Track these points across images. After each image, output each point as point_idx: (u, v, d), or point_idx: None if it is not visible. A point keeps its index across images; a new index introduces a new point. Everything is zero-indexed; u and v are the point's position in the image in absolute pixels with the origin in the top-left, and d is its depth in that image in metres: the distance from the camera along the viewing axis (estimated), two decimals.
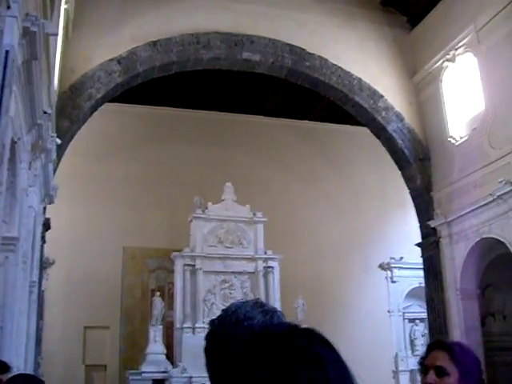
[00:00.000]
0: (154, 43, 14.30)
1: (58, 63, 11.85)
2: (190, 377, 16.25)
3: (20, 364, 7.99)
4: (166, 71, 14.89)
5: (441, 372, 2.57)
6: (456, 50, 15.05)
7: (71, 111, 13.22)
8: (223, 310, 1.67)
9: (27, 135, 7.82)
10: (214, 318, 1.69)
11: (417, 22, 16.72)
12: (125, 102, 19.60)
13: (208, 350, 1.62)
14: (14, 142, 6.70)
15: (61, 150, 12.20)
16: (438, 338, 2.90)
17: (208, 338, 1.64)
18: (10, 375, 4.37)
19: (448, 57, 15.33)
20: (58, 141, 10.10)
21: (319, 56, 15.61)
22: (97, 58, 13.74)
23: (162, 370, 16.84)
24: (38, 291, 11.59)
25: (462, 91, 15.20)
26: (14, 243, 7.31)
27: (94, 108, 14.02)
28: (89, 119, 14.29)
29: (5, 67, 4.89)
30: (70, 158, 14.35)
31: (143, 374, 16.71)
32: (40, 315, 13.47)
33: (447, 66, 15.49)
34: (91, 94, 13.54)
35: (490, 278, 14.55)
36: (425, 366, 2.66)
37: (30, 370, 9.46)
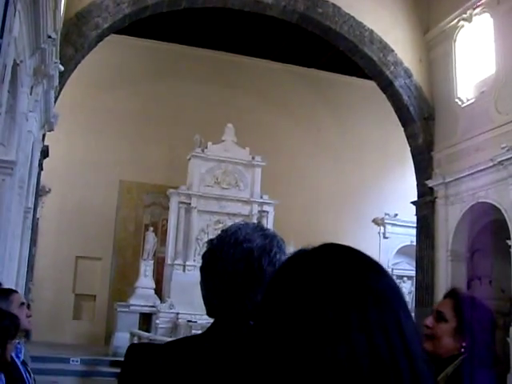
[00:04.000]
0: None
1: None
2: (177, 313, 16.52)
3: (11, 287, 8.07)
4: (175, 6, 14.57)
5: (439, 317, 2.58)
6: (474, 9, 14.69)
7: (76, 39, 12.98)
8: (223, 231, 1.64)
9: (30, 59, 7.70)
10: (212, 237, 1.66)
11: None
12: (131, 35, 19.30)
13: (204, 269, 1.61)
14: (16, 64, 6.59)
15: (63, 77, 12.03)
16: (455, 287, 2.84)
17: (205, 256, 1.62)
18: None
19: (464, 16, 14.98)
20: (61, 67, 9.94)
21: (333, 3, 15.27)
22: None
23: (150, 304, 17.11)
24: (32, 218, 11.64)
25: (475, 53, 14.94)
26: (11, 167, 7.28)
27: (100, 38, 13.76)
28: (93, 49, 14.06)
29: None
30: (72, 86, 14.19)
31: (131, 307, 16.98)
32: (33, 242, 13.56)
33: (463, 26, 15.16)
34: (98, 23, 13.28)
35: (481, 242, 14.62)
36: (432, 310, 2.67)
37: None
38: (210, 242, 1.64)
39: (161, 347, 1.58)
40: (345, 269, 0.82)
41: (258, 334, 0.85)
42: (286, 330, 0.80)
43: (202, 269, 1.62)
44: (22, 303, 3.65)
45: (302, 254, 0.87)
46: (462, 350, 2.52)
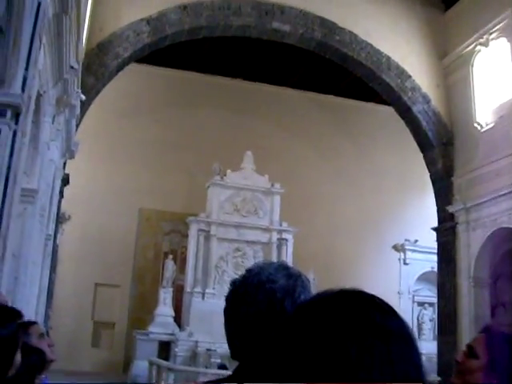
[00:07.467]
0: (184, 6, 14.15)
1: (88, 20, 11.79)
2: (197, 341, 16.43)
3: (31, 314, 8.08)
4: (194, 35, 14.78)
5: (470, 353, 2.49)
6: (490, 34, 14.70)
7: (97, 69, 13.18)
8: (247, 270, 1.61)
9: (53, 89, 7.81)
10: (236, 278, 1.63)
11: (452, 3, 16.35)
12: (151, 64, 19.55)
13: (228, 311, 1.58)
14: (39, 95, 6.68)
15: (84, 106, 12.19)
16: (489, 323, 2.78)
17: (228, 298, 1.59)
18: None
19: (481, 41, 14.99)
20: (83, 97, 10.09)
21: (350, 31, 15.38)
22: (126, 18, 13.64)
23: (170, 332, 17.04)
24: (52, 245, 11.70)
25: (492, 77, 14.91)
26: (32, 195, 7.33)
27: (121, 67, 13.98)
28: (114, 78, 14.28)
29: (36, 18, 4.85)
30: (92, 115, 14.36)
31: (150, 335, 16.93)
32: (53, 269, 13.61)
33: (479, 50, 15.16)
34: (118, 53, 13.49)
35: (504, 267, 14.43)
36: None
37: (39, 322, 9.57)
38: (233, 283, 1.61)
39: None
40: (367, 312, 0.89)
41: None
42: (311, 366, 0.82)
43: (225, 311, 1.59)
44: (42, 334, 3.60)
45: (323, 299, 0.91)
46: None
